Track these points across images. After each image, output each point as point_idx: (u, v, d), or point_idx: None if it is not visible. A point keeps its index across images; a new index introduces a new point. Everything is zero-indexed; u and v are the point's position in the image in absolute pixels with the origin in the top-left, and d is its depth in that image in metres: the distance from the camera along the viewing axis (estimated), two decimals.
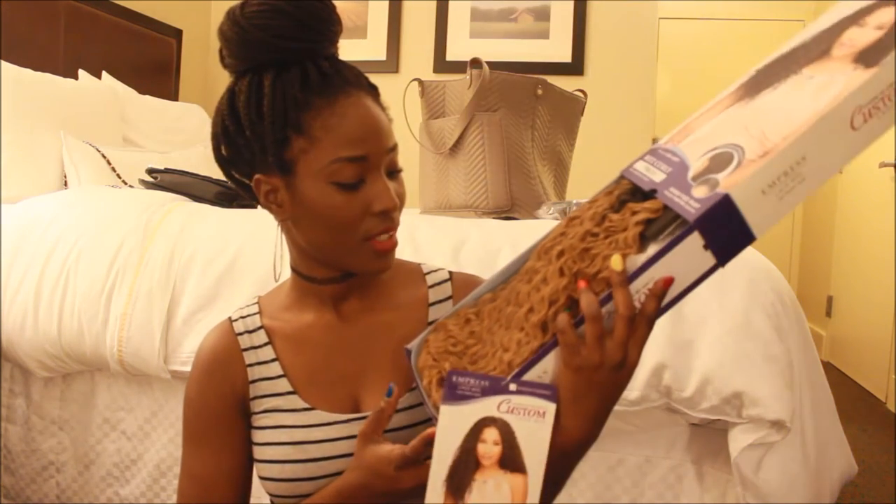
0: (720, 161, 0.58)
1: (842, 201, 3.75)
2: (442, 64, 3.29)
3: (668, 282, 0.58)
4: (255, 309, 0.85)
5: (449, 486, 0.61)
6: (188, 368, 1.42)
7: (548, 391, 0.60)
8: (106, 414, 1.54)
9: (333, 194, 0.73)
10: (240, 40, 0.74)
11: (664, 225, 0.60)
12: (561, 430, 0.62)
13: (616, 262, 0.58)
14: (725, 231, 0.55)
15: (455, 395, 0.61)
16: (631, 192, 0.66)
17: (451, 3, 3.28)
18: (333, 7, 0.77)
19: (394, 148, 0.77)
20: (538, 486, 0.60)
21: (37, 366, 1.52)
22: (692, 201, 0.57)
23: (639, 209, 0.62)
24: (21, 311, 1.51)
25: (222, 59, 0.77)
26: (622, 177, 0.69)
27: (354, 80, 0.76)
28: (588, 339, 0.59)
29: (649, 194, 0.63)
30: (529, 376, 0.61)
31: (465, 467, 0.61)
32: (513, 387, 0.60)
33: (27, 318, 1.50)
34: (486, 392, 0.61)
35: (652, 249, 0.59)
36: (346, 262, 0.78)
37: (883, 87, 0.54)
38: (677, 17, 4.40)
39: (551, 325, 0.62)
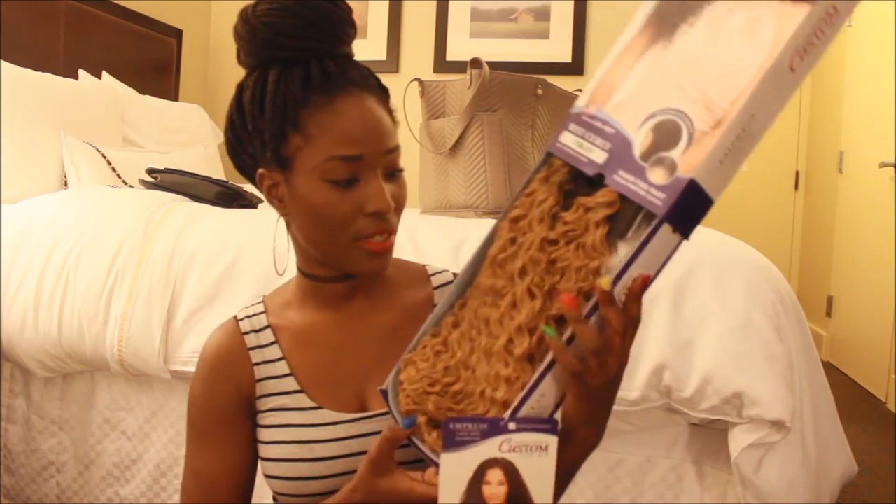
0: (667, 133, 0.55)
1: (842, 201, 3.75)
2: (442, 64, 3.29)
3: (646, 280, 0.56)
4: (261, 308, 0.85)
5: None
6: (188, 368, 1.42)
7: (547, 424, 0.59)
8: (106, 414, 1.54)
9: (327, 192, 0.73)
10: (249, 38, 0.76)
11: (629, 220, 0.57)
12: (576, 443, 0.63)
13: (606, 283, 0.55)
14: (692, 212, 0.54)
15: (454, 441, 0.59)
16: (571, 177, 0.62)
17: (451, 3, 3.28)
18: (346, 8, 0.77)
19: (394, 149, 0.76)
20: None
21: (37, 366, 1.52)
22: (653, 190, 0.54)
23: (593, 205, 0.58)
24: (21, 311, 1.51)
25: (238, 56, 0.80)
26: (551, 154, 0.64)
27: (360, 81, 0.75)
28: (593, 368, 0.59)
29: (594, 179, 0.59)
30: (527, 408, 0.59)
31: None
32: (512, 426, 0.59)
33: (27, 318, 1.50)
34: (486, 434, 0.59)
35: (622, 249, 0.57)
36: (340, 262, 0.78)
37: (815, 22, 0.53)
38: None
39: (537, 355, 0.60)
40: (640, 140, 0.57)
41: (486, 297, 0.65)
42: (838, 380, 3.43)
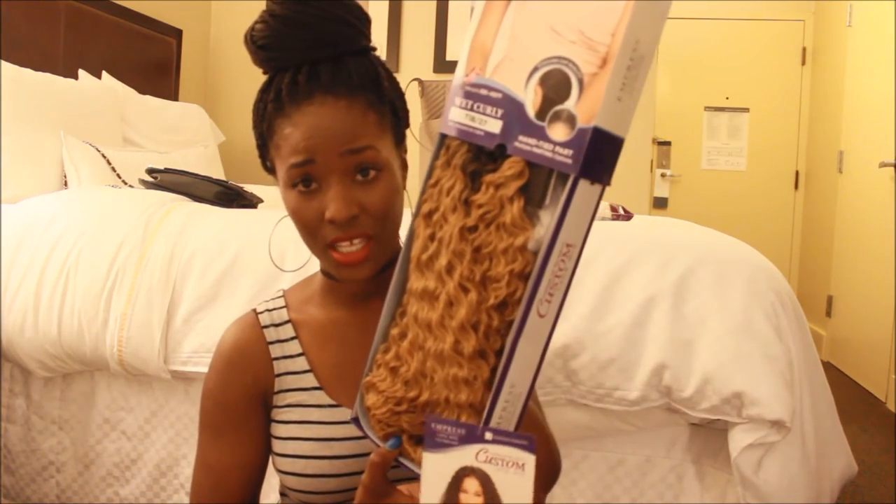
0: (556, 84, 0.52)
1: (842, 201, 3.75)
2: (442, 64, 3.29)
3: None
4: (282, 303, 0.85)
5: None
6: (188, 368, 1.42)
7: (525, 441, 0.56)
8: (106, 414, 1.54)
9: (295, 199, 0.74)
10: (250, 55, 0.78)
11: (542, 186, 0.54)
12: None
13: None
14: (605, 158, 0.52)
15: (435, 442, 0.57)
16: (473, 155, 0.58)
17: (451, 3, 3.28)
18: (340, 7, 0.75)
19: (359, 150, 0.73)
20: None
21: (37, 366, 1.52)
22: (559, 149, 0.51)
23: (502, 180, 0.55)
24: (21, 311, 1.51)
25: None
26: (445, 136, 0.59)
27: (331, 84, 0.73)
28: None
29: (496, 151, 0.56)
30: (502, 402, 0.57)
31: None
32: (489, 435, 0.56)
33: (27, 318, 1.50)
34: (464, 440, 0.57)
35: (545, 217, 0.54)
36: (324, 268, 0.80)
37: None
38: (677, 17, 4.40)
39: (487, 348, 0.58)
40: (530, 98, 0.53)
41: (422, 301, 0.62)
42: (838, 380, 3.43)
